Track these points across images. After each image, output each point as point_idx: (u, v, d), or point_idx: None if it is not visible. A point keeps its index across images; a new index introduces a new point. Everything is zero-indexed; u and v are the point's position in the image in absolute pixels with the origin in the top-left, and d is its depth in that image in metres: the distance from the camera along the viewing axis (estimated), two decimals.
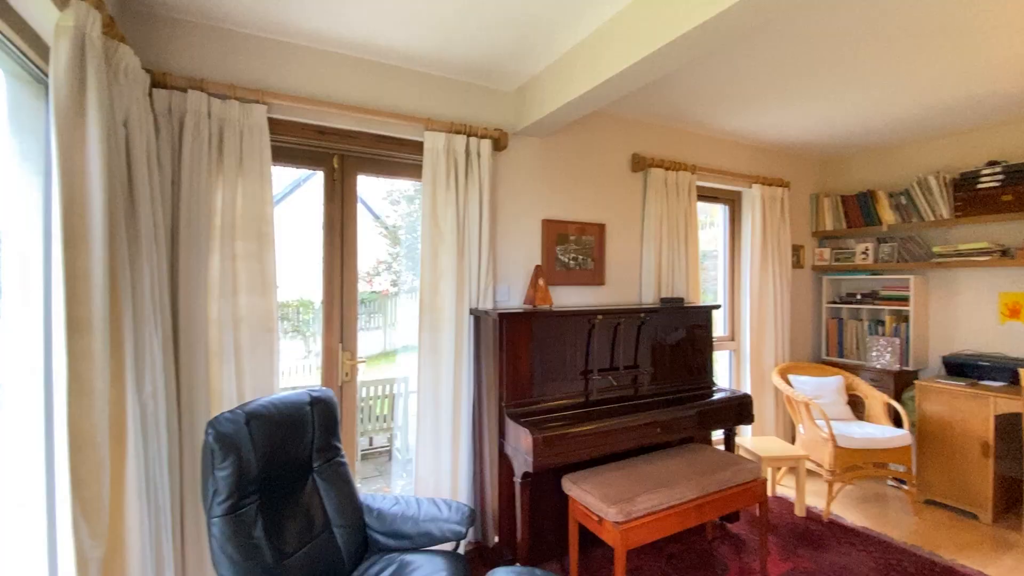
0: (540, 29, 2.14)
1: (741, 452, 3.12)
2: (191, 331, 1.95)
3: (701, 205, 3.96)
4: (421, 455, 2.40)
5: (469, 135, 2.52)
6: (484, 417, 2.46)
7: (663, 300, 3.09)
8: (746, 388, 3.67)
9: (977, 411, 2.96)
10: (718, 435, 3.50)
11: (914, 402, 3.28)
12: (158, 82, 1.92)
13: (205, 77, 2.06)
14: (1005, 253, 3.24)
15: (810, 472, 3.46)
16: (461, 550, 2.41)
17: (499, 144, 2.66)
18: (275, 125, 2.21)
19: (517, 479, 2.17)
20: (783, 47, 2.27)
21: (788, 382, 3.48)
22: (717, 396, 2.74)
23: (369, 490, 3.80)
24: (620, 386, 2.65)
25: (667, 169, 3.28)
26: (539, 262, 2.90)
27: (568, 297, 3.04)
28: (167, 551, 1.74)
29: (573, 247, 3.05)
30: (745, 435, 3.60)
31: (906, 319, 3.60)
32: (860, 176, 4.13)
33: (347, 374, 2.42)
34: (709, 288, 4.09)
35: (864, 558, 2.54)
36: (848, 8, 1.95)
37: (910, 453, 3.00)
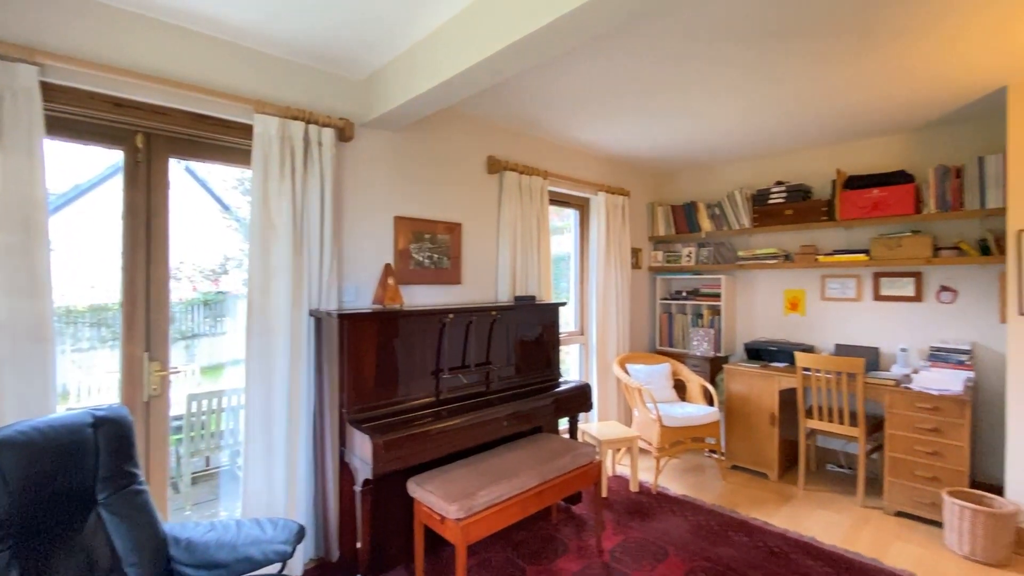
0: (378, 18, 2.07)
1: (586, 438, 3.36)
2: None
3: (556, 209, 4.20)
4: (251, 473, 2.17)
5: (308, 122, 2.35)
6: (326, 426, 2.31)
7: (517, 298, 3.20)
8: (593, 378, 3.98)
9: (767, 388, 3.57)
10: (566, 423, 3.74)
11: (723, 383, 3.84)
12: None
13: None
14: (787, 257, 3.96)
15: (644, 451, 3.87)
16: (299, 571, 2.25)
17: (344, 134, 2.52)
18: (54, 92, 1.83)
19: (358, 487, 2.07)
20: (619, 69, 2.49)
21: (626, 371, 3.85)
22: (561, 387, 2.92)
23: (202, 516, 3.36)
24: (471, 383, 2.68)
25: (521, 173, 3.41)
26: (391, 260, 2.81)
27: (424, 296, 3.00)
28: None
29: (429, 246, 3.02)
30: (593, 421, 3.90)
31: (719, 313, 4.21)
32: (686, 188, 4.73)
33: (155, 388, 2.10)
34: (568, 288, 4.35)
35: (681, 522, 2.90)
36: (671, 42, 2.20)
37: (719, 427, 3.51)
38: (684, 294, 4.49)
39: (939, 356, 3.22)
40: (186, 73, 2.11)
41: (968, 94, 2.81)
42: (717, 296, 4.21)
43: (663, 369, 3.90)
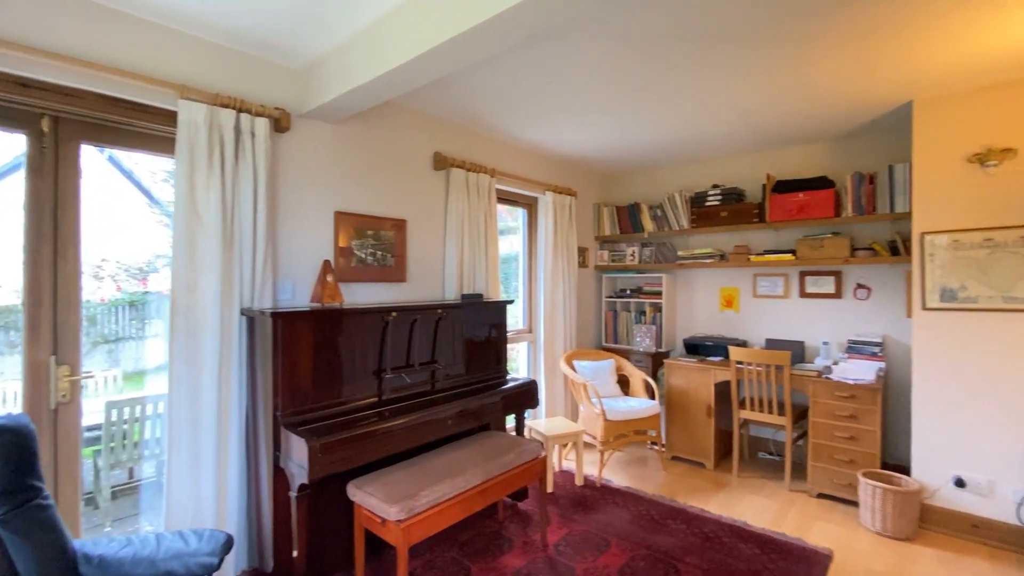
0: (317, 4, 1.99)
1: (533, 434, 3.39)
2: None
3: (510, 209, 4.21)
4: (175, 482, 2.04)
5: (240, 110, 2.23)
6: (260, 430, 2.20)
7: (464, 296, 3.18)
8: (541, 375, 4.02)
9: (703, 381, 3.74)
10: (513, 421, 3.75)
11: (664, 377, 3.99)
12: None
13: None
14: (723, 257, 4.16)
15: (589, 445, 3.95)
16: None
17: (280, 125, 2.41)
18: None
19: (293, 493, 1.99)
20: (562, 72, 2.52)
21: (573, 367, 3.92)
22: (508, 385, 2.93)
23: (124, 532, 3.11)
24: (415, 383, 2.64)
25: (468, 170, 3.39)
26: (331, 257, 2.72)
27: (367, 295, 2.92)
28: None
29: (372, 242, 2.94)
30: (541, 417, 3.94)
31: (660, 310, 4.36)
32: (630, 190, 4.87)
33: (64, 394, 1.93)
34: (518, 288, 4.37)
35: (624, 513, 2.99)
36: (610, 47, 2.25)
37: (659, 420, 3.64)
38: (628, 292, 4.62)
39: (855, 348, 3.48)
40: (101, 53, 1.94)
41: (880, 107, 3.05)
42: (659, 294, 4.37)
43: (608, 365, 4.00)
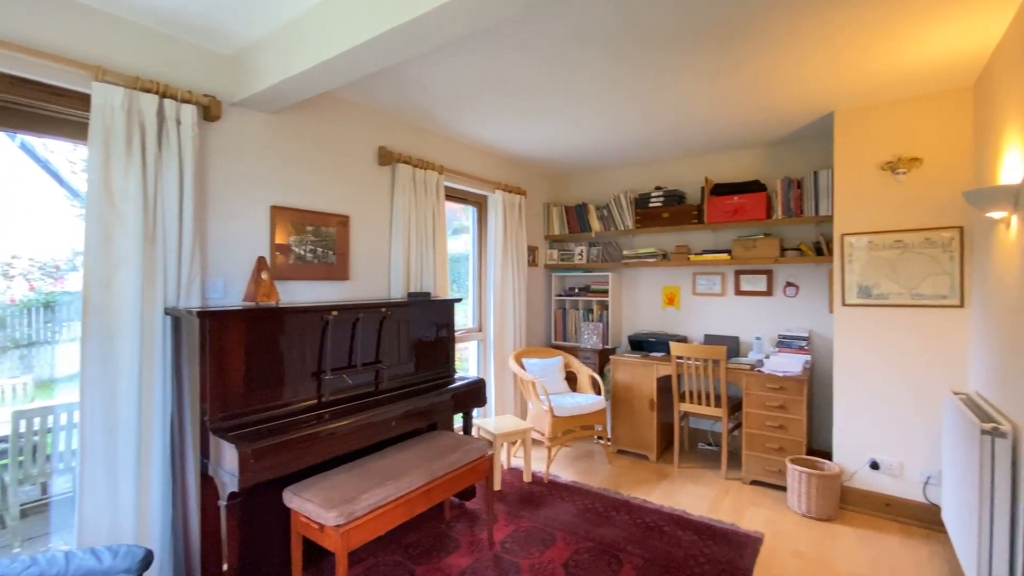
0: None
1: (482, 433, 3.39)
2: None
3: (463, 208, 4.17)
4: (88, 496, 1.88)
5: (164, 96, 2.08)
6: (186, 438, 2.07)
7: (410, 295, 3.12)
8: (491, 373, 4.02)
9: (646, 376, 3.86)
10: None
11: (610, 373, 4.09)
12: None
13: None
14: (665, 256, 4.31)
15: (538, 442, 3.99)
16: None
17: (210, 113, 2.28)
18: None
19: (223, 502, 1.89)
20: (508, 69, 2.52)
21: (522, 365, 3.94)
22: (456, 384, 2.91)
23: (33, 552, 2.84)
24: (358, 384, 2.57)
25: (415, 167, 3.34)
26: (267, 254, 2.60)
27: (307, 293, 2.81)
28: None
29: (312, 238, 2.83)
30: (491, 416, 3.93)
31: (607, 307, 4.47)
32: (578, 191, 4.96)
33: None
34: (469, 288, 4.34)
35: (569, 507, 3.03)
36: (555, 46, 2.27)
37: (605, 415, 3.72)
38: (576, 290, 4.71)
39: (785, 342, 3.70)
40: (3, 28, 1.76)
41: (805, 117, 3.26)
42: (605, 292, 4.47)
43: (556, 362, 4.06)
